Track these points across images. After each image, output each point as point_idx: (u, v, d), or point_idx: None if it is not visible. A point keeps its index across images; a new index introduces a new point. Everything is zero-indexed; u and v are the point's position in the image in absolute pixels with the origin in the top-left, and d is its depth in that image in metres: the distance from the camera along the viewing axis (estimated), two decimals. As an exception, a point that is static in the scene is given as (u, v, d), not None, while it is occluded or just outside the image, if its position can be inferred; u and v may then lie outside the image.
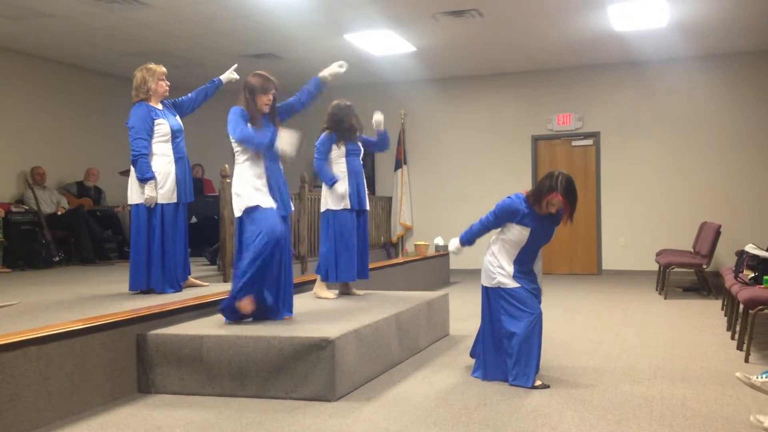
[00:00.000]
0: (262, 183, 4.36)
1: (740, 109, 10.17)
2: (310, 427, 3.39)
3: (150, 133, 5.09)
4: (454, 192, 11.47)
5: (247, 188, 4.34)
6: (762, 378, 3.34)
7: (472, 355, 4.54)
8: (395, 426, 3.39)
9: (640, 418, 3.45)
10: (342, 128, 5.52)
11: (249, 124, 4.33)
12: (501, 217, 4.18)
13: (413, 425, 3.39)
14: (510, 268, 4.19)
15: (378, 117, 5.61)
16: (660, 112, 10.55)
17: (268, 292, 4.38)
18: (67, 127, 9.97)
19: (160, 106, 5.25)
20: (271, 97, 4.44)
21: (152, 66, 5.28)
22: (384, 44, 9.23)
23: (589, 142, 10.98)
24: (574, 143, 11.07)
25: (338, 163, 5.53)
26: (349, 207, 5.48)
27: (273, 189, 4.39)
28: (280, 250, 4.38)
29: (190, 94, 5.56)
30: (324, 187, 5.55)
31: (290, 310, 4.56)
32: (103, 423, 3.50)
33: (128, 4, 7.37)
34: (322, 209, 5.57)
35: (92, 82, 10.43)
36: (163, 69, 5.32)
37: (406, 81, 11.56)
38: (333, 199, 5.48)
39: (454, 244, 4.43)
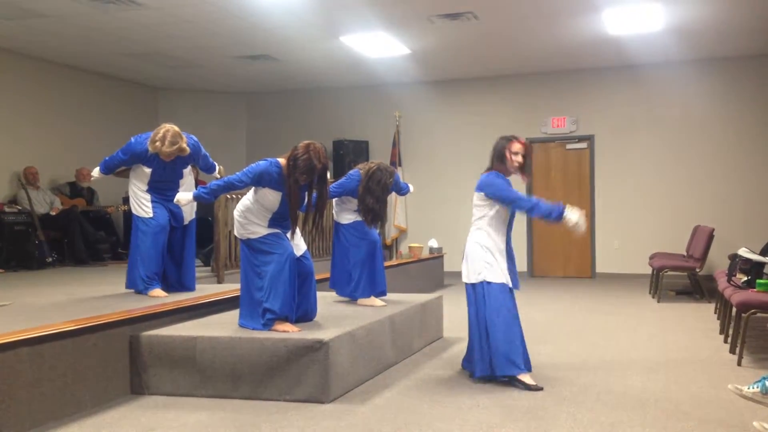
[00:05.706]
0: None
1: (734, 112, 10.21)
2: (304, 429, 3.38)
3: (125, 154, 5.16)
4: (448, 194, 11.46)
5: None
6: (752, 389, 3.38)
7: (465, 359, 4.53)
8: (389, 428, 3.38)
9: (634, 421, 3.46)
10: (368, 199, 5.18)
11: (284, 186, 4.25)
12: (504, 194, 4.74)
13: (407, 427, 3.39)
14: (499, 259, 4.33)
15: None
16: (654, 115, 10.58)
17: None
18: (60, 127, 9.94)
19: (166, 158, 5.10)
20: (309, 179, 4.24)
21: (157, 143, 4.99)
22: (379, 46, 9.23)
23: (584, 145, 11.00)
24: (569, 146, 11.09)
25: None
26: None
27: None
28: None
29: (212, 165, 5.84)
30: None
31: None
32: (95, 424, 3.48)
33: (123, 4, 7.35)
34: None
35: (86, 81, 10.40)
36: (167, 151, 5.00)
37: (401, 83, 11.56)
38: None
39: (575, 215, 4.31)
